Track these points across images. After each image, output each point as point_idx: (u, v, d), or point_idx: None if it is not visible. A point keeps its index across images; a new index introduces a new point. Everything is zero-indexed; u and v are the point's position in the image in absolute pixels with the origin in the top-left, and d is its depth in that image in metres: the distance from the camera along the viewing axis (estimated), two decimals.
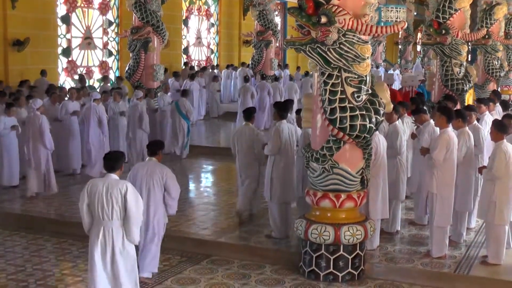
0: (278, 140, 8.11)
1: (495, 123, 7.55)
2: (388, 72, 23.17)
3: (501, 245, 7.33)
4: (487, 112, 10.13)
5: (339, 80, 6.61)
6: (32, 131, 10.25)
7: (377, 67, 24.47)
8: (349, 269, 6.91)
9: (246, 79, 18.57)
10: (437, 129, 8.07)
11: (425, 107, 10.12)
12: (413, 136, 9.29)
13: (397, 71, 26.63)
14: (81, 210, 5.78)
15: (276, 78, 19.87)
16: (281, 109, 8.45)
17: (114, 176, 5.74)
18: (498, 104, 11.64)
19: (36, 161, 10.28)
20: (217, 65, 25.00)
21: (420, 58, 32.01)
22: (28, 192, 10.28)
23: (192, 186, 11.83)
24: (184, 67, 22.36)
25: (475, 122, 8.80)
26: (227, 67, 24.19)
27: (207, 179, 12.53)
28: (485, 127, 8.99)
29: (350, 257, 6.90)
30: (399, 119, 9.07)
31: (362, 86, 6.66)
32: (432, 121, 8.53)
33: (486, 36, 14.95)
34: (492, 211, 7.27)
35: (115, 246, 5.66)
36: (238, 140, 8.83)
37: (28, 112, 10.79)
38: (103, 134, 11.98)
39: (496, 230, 7.33)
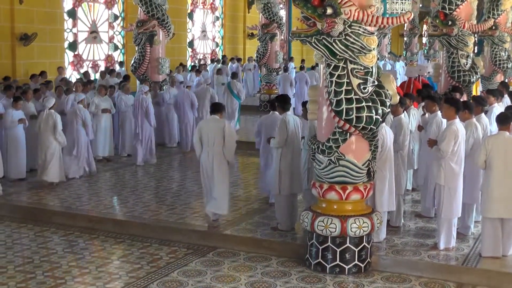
0: (285, 132, 8.12)
1: (497, 116, 7.52)
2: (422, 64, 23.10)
3: (489, 239, 7.22)
4: (495, 104, 10.07)
5: (345, 72, 6.58)
6: (140, 111, 12.45)
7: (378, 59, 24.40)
8: (356, 262, 6.90)
9: (285, 69, 19.86)
10: (444, 120, 8.03)
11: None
12: (419, 128, 9.26)
13: (402, 63, 26.54)
14: (195, 142, 8.45)
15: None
16: (283, 101, 8.55)
17: (216, 116, 8.34)
18: (506, 95, 11.57)
19: (143, 135, 12.47)
20: (224, 56, 25.01)
21: (425, 50, 31.88)
22: (137, 162, 12.53)
23: (197, 178, 11.82)
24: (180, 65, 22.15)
25: (482, 113, 8.74)
26: (223, 62, 23.86)
27: None
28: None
29: (356, 250, 6.88)
30: (405, 111, 9.03)
31: (368, 77, 6.63)
32: (439, 112, 8.48)
33: (493, 27, 14.81)
34: (483, 202, 7.28)
35: (214, 163, 8.21)
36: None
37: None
38: (195, 115, 14.26)
39: (484, 224, 7.32)
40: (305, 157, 8.29)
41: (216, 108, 8.52)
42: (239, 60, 24.41)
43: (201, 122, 8.67)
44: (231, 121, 15.58)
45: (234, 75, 16.98)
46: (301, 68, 20.96)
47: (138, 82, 15.17)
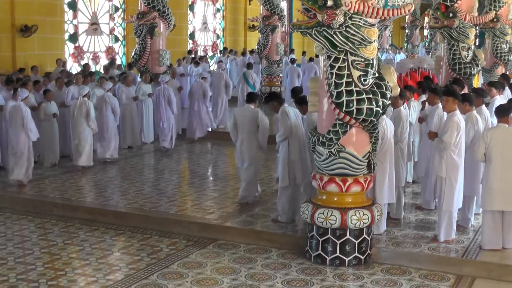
0: (287, 121, 8.11)
1: (496, 109, 7.50)
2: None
3: (489, 231, 7.23)
4: (497, 96, 10.04)
5: (346, 64, 6.56)
6: (163, 100, 13.11)
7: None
8: (356, 254, 6.91)
9: (292, 61, 20.53)
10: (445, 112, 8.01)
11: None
12: (420, 120, 9.23)
13: (403, 56, 26.47)
14: (230, 129, 9.11)
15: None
16: (274, 97, 8.73)
17: (251, 105, 8.98)
18: (507, 88, 11.54)
19: (166, 123, 13.05)
20: (225, 48, 25.04)
21: (426, 42, 31.80)
22: (165, 146, 13.12)
23: (198, 170, 11.85)
24: (188, 54, 22.39)
25: (483, 105, 8.72)
26: (243, 53, 24.03)
27: (213, 164, 12.54)
28: None
29: (356, 242, 6.89)
30: (405, 103, 9.00)
31: (369, 69, 6.60)
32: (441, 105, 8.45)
33: (495, 19, 14.73)
34: (483, 194, 7.28)
35: (246, 149, 8.90)
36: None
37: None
38: (205, 105, 14.75)
39: (484, 216, 7.31)
40: None
41: (251, 98, 9.15)
42: (251, 52, 24.45)
43: (236, 110, 9.47)
44: None
45: (250, 65, 17.83)
46: (310, 59, 21.58)
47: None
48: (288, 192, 8.26)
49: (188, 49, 23.33)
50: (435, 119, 8.47)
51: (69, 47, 18.35)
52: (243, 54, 24.16)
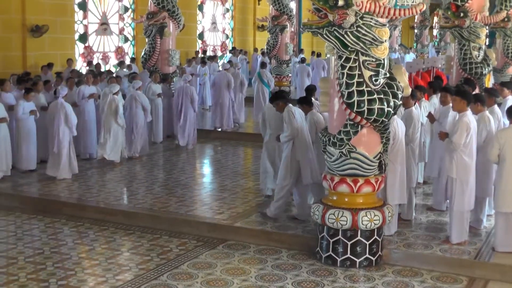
0: (294, 122, 8.10)
1: (507, 109, 7.42)
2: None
3: (503, 233, 7.14)
4: (510, 96, 9.96)
5: (357, 64, 6.52)
6: (185, 98, 13.38)
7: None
8: (367, 255, 6.86)
9: (302, 60, 21.00)
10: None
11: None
12: (431, 120, 9.16)
13: (413, 55, 26.37)
14: (260, 125, 9.53)
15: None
16: (280, 97, 8.68)
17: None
18: None
19: (184, 120, 13.34)
20: (234, 48, 25.07)
21: (436, 42, 31.69)
22: (180, 143, 13.46)
23: (207, 170, 11.84)
24: (203, 54, 22.52)
25: (495, 105, 8.65)
26: (262, 53, 24.08)
27: (223, 163, 12.51)
28: None
29: (367, 243, 6.84)
30: (416, 104, 8.94)
31: (380, 69, 6.57)
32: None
33: (506, 19, 14.66)
34: (496, 196, 7.20)
35: (277, 145, 8.97)
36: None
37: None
38: (231, 97, 15.64)
39: (497, 218, 7.24)
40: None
41: (274, 97, 9.16)
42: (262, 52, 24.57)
43: (266, 106, 9.66)
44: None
45: (264, 65, 18.02)
46: (318, 55, 22.32)
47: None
48: (300, 189, 8.26)
49: (197, 49, 23.38)
50: (449, 119, 8.38)
51: (79, 47, 18.42)
52: (263, 54, 24.20)
